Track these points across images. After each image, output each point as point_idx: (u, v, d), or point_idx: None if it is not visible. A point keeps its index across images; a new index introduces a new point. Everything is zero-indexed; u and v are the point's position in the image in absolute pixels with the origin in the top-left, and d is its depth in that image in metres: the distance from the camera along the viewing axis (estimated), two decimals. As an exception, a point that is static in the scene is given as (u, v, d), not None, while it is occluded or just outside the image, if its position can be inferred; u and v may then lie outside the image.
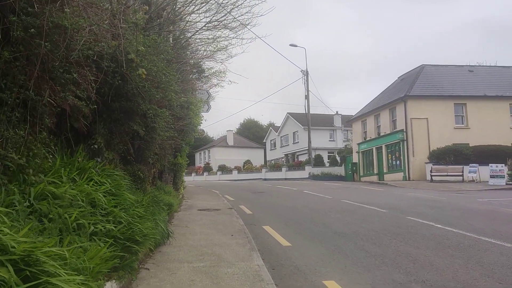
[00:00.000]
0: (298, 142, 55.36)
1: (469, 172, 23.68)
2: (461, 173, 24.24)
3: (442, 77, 31.42)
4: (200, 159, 71.90)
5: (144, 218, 5.54)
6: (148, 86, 6.76)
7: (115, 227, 4.69)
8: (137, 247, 4.89)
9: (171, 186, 12.61)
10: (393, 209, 12.89)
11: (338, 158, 42.74)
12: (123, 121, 7.00)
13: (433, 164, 26.09)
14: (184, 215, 11.45)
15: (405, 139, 29.22)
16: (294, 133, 56.91)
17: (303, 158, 51.94)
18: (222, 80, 30.94)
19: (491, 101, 29.58)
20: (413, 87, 29.79)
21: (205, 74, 19.84)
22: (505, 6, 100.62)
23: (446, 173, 24.60)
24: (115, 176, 6.15)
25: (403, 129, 29.46)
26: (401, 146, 29.70)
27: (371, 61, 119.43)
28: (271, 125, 72.11)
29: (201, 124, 16.51)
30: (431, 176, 24.82)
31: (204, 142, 74.41)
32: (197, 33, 13.97)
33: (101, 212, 4.82)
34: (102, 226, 4.47)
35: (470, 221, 10.41)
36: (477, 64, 34.09)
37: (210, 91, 21.24)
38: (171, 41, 12.33)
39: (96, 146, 6.17)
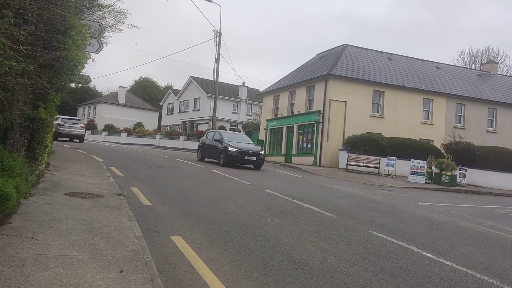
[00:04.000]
0: (199, 110, 51.03)
1: (387, 165, 22.24)
2: (377, 165, 22.74)
3: (363, 61, 29.82)
4: (83, 115, 63.17)
5: None
6: None
7: None
8: None
9: (21, 154, 7.76)
10: (340, 213, 9.87)
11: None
12: None
13: (348, 152, 24.31)
14: (38, 207, 6.85)
15: (321, 121, 27.01)
16: (195, 99, 52.30)
17: (203, 127, 47.94)
18: (121, 22, 25.21)
19: (408, 93, 28.85)
20: (336, 66, 27.58)
21: (99, 2, 14.72)
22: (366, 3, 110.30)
23: (362, 163, 22.90)
24: None
25: (320, 110, 27.20)
26: (315, 128, 27.49)
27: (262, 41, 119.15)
28: (170, 87, 66.15)
29: (86, 66, 11.48)
30: (347, 165, 22.92)
31: (91, 96, 65.65)
32: None
33: None
34: None
35: (457, 246, 7.74)
36: (394, 53, 33.29)
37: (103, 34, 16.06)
38: None
39: None
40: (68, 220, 6.34)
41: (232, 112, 51.48)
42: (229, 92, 51.26)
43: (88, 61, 10.11)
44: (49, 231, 5.62)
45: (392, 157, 22.34)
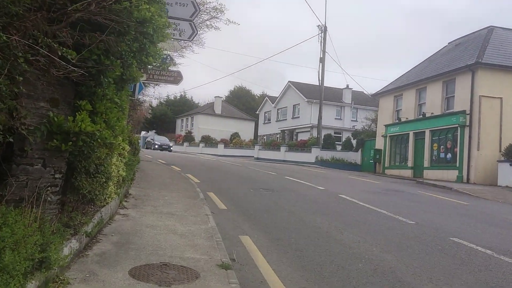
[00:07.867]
0: (299, 117, 46.68)
1: None
2: None
3: (519, 45, 23.03)
4: (181, 126, 62.77)
5: None
6: None
7: None
8: None
9: (47, 202, 3.89)
10: None
11: (353, 141, 34.35)
12: None
13: (512, 165, 18.04)
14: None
15: (467, 124, 20.90)
16: (294, 106, 48.08)
17: (303, 136, 43.53)
18: (217, 18, 21.83)
19: None
20: (485, 52, 21.29)
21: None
22: None
23: (542, 181, 16.55)
24: None
25: (465, 111, 21.10)
26: (458, 133, 21.40)
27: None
28: (265, 95, 63.05)
29: (177, 61, 7.75)
30: (519, 183, 16.73)
31: (188, 107, 65.33)
32: None
33: None
34: None
35: None
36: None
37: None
38: None
39: None
40: None
41: (335, 118, 46.23)
42: (331, 95, 46.14)
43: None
44: None
45: None
